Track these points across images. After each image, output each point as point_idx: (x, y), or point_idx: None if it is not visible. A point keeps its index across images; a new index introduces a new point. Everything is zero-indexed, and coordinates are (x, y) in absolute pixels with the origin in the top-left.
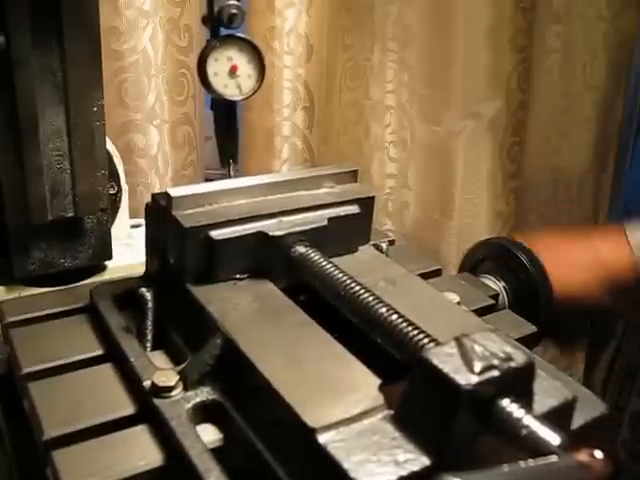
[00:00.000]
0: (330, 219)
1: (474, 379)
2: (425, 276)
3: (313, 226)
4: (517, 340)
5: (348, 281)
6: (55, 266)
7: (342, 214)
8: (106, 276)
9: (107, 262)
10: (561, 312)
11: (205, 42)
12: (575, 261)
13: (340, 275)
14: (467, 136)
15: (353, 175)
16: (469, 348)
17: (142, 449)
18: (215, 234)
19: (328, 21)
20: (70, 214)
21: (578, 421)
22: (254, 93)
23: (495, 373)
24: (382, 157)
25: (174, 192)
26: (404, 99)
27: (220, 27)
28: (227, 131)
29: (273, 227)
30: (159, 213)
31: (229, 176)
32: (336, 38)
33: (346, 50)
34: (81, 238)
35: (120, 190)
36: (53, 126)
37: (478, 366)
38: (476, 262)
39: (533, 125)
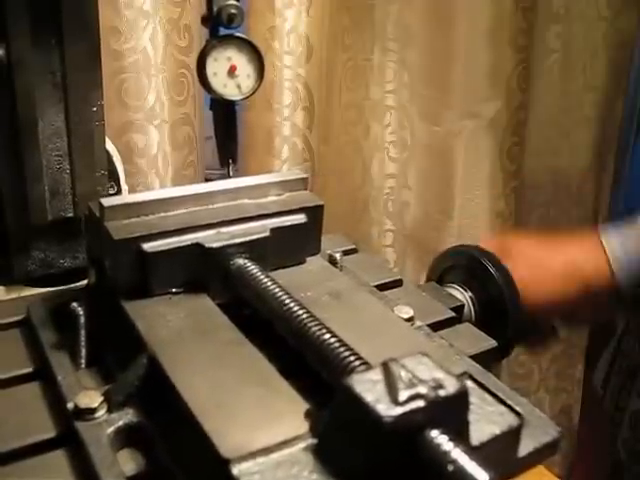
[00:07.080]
0: (273, 229)
1: (397, 410)
2: (384, 287)
3: (254, 237)
4: (475, 356)
5: (283, 296)
6: (55, 266)
7: (287, 224)
8: None
9: None
10: (534, 319)
11: (204, 42)
12: (549, 268)
13: (275, 289)
14: (467, 136)
15: (303, 182)
16: (396, 375)
17: (58, 476)
18: (147, 246)
19: (328, 21)
20: (70, 214)
21: (527, 447)
22: (253, 93)
23: (421, 403)
24: (382, 157)
25: (107, 202)
26: (404, 99)
27: (219, 27)
28: (226, 131)
29: (210, 238)
30: (94, 223)
31: (228, 176)
32: (336, 38)
33: (346, 50)
34: (81, 238)
35: (120, 190)
36: (52, 126)
37: (403, 395)
38: (443, 271)
39: (533, 125)
